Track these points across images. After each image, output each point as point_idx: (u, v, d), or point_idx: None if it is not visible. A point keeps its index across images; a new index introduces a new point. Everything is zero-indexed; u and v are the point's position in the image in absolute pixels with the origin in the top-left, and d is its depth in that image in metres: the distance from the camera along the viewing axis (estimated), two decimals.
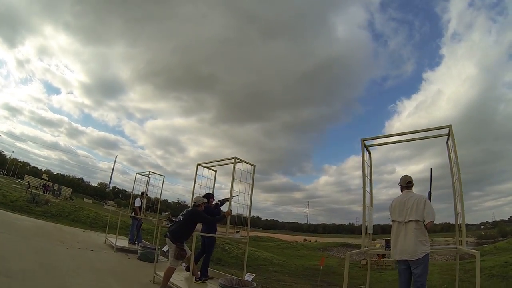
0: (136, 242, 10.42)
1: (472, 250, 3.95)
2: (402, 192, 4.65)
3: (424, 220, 4.19)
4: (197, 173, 7.18)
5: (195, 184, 7.06)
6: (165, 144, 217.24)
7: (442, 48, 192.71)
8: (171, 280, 5.71)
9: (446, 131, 4.60)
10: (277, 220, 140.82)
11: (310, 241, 54.22)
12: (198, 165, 7.13)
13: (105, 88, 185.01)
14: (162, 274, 6.04)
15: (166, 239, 5.79)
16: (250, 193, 6.50)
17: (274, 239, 44.13)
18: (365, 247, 4.85)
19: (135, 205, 10.80)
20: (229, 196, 6.19)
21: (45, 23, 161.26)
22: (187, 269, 6.33)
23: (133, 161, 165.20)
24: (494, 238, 57.20)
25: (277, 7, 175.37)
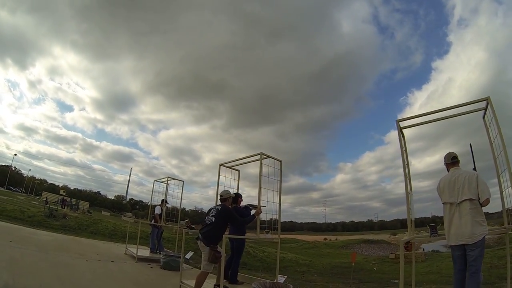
0: (158, 251, 10.15)
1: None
2: (448, 170, 4.35)
3: (479, 199, 3.88)
4: (221, 174, 6.83)
5: (219, 186, 6.65)
6: (179, 153, 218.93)
7: (449, 35, 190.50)
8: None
9: (483, 104, 4.32)
10: (295, 222, 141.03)
11: (330, 240, 53.99)
12: (220, 165, 6.81)
13: (117, 102, 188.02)
14: (188, 282, 5.78)
15: (198, 242, 5.36)
16: (279, 191, 6.15)
17: (296, 240, 43.82)
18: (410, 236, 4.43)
19: (155, 212, 10.49)
20: (257, 199, 5.81)
21: (53, 43, 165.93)
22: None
23: (148, 172, 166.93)
24: None
25: (280, 8, 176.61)
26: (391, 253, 19.36)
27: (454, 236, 3.95)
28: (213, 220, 5.32)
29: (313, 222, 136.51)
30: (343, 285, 8.99)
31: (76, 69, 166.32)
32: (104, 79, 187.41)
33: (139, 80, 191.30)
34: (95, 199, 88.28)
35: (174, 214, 10.69)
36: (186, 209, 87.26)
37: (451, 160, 4.30)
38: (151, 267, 8.49)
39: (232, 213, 5.55)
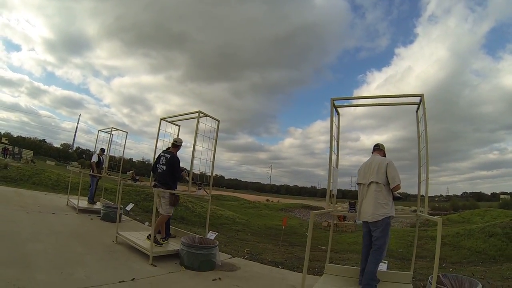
0: (90, 201, 10.34)
1: (434, 217, 4.13)
2: None
3: (385, 184, 4.22)
4: (162, 128, 7.04)
5: (158, 140, 6.95)
6: (131, 102, 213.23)
7: (417, 27, 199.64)
8: (133, 240, 5.73)
9: (417, 99, 4.64)
10: (240, 180, 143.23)
11: (272, 201, 54.43)
12: (161, 119, 6.98)
13: (70, 44, 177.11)
14: (124, 233, 6.15)
15: (155, 190, 5.85)
16: (213, 149, 6.45)
17: (237, 198, 44.30)
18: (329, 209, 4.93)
19: (92, 160, 10.56)
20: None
21: None
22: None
23: (98, 120, 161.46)
24: (447, 211, 60.24)
25: None
26: (324, 220, 20.50)
27: (361, 213, 4.35)
28: (165, 168, 5.92)
29: (258, 182, 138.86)
30: (272, 246, 9.54)
31: (28, 3, 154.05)
32: (59, 18, 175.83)
33: (97, 23, 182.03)
34: (40, 148, 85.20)
35: (117, 165, 10.68)
36: (134, 160, 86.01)
37: (374, 147, 4.68)
38: (91, 219, 8.61)
39: (177, 164, 6.07)
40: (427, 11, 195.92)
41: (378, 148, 4.63)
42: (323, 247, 10.63)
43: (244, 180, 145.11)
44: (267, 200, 57.74)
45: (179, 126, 7.34)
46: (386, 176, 4.21)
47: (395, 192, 4.33)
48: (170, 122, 7.13)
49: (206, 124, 6.21)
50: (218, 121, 6.51)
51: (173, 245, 5.85)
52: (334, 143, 5.00)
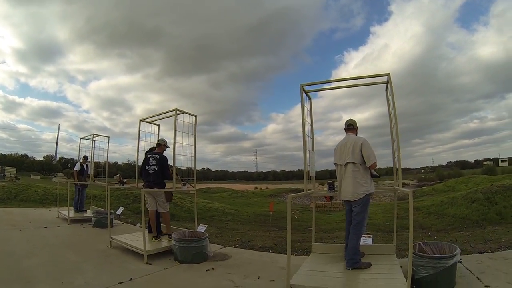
0: (80, 210, 10.39)
1: (406, 189, 4.28)
2: None
3: (361, 163, 4.35)
4: (142, 129, 7.10)
5: (140, 141, 7.03)
6: (111, 105, 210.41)
7: (391, 5, 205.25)
8: (127, 242, 5.96)
9: (385, 79, 4.72)
10: (227, 171, 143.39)
11: (261, 189, 54.29)
12: (140, 121, 7.07)
13: (42, 52, 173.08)
14: (117, 237, 6.37)
15: (145, 190, 6.14)
16: (193, 144, 6.64)
17: (226, 189, 44.32)
18: (309, 190, 5.07)
19: (74, 169, 10.63)
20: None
21: None
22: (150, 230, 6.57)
23: (78, 127, 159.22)
24: (433, 181, 61.51)
25: None
26: (311, 202, 20.80)
27: (341, 193, 4.52)
28: (157, 169, 6.19)
29: (245, 171, 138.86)
30: (262, 232, 9.76)
31: None
32: (27, 25, 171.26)
33: (67, 27, 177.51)
34: (22, 163, 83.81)
35: (103, 171, 10.59)
36: (119, 163, 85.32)
37: (346, 126, 4.74)
38: (83, 227, 8.75)
39: (167, 163, 6.33)
40: None
41: (352, 127, 4.72)
42: (311, 228, 10.94)
43: (231, 171, 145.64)
44: (256, 188, 57.57)
45: (158, 125, 7.46)
46: (362, 155, 4.33)
47: (372, 170, 4.48)
48: (149, 122, 7.24)
49: (184, 121, 6.37)
50: (195, 116, 6.67)
51: (165, 242, 6.07)
52: (308, 127, 5.21)
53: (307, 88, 5.12)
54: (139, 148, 7.02)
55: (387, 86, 4.78)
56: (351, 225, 4.43)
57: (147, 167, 6.37)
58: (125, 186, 8.97)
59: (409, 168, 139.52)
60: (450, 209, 14.30)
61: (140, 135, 7.02)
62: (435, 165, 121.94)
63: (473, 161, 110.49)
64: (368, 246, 4.80)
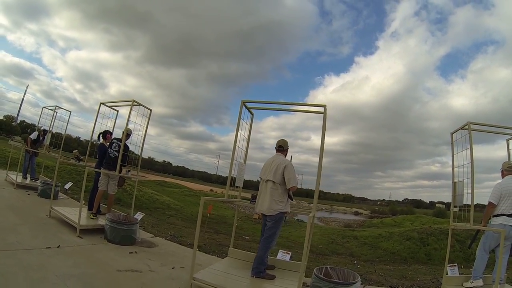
0: (32, 178, 10.63)
1: (308, 215, 4.41)
2: None
3: (281, 183, 4.58)
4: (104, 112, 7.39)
5: (96, 123, 7.28)
6: (86, 78, 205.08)
7: (379, 41, 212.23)
8: (65, 214, 6.34)
9: (322, 109, 4.91)
10: (187, 168, 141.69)
11: (216, 192, 54.58)
12: (101, 103, 7.29)
13: (27, 8, 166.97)
14: (58, 208, 6.71)
15: (105, 170, 6.62)
16: (143, 136, 7.04)
17: (180, 186, 44.17)
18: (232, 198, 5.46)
19: (30, 136, 10.82)
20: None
21: None
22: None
23: (48, 93, 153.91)
24: (385, 214, 63.17)
25: None
26: (255, 213, 21.26)
27: (258, 206, 4.80)
28: (117, 154, 6.52)
29: (205, 172, 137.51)
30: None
31: None
32: None
33: None
34: None
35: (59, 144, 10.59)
36: (81, 139, 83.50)
37: (277, 147, 4.98)
38: (28, 194, 8.97)
39: (127, 151, 6.71)
40: (391, 28, 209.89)
41: (281, 149, 4.94)
42: (246, 237, 11.43)
43: (191, 169, 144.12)
44: (211, 190, 57.45)
45: (117, 111, 7.73)
46: (283, 177, 4.57)
47: (291, 192, 4.72)
48: (109, 106, 7.50)
49: (138, 112, 6.81)
50: (150, 110, 7.07)
51: (101, 221, 6.42)
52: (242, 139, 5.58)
53: (248, 105, 5.44)
54: (94, 130, 7.34)
55: (324, 117, 4.85)
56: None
57: (109, 150, 6.84)
58: (81, 163, 9.16)
59: (366, 198, 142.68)
60: (384, 243, 14.94)
61: (101, 117, 7.32)
62: (392, 199, 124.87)
63: (428, 202, 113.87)
64: (281, 261, 5.10)
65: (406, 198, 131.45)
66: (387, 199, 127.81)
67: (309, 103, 5.27)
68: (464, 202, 4.93)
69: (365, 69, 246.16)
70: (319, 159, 4.69)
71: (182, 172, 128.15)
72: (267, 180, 4.70)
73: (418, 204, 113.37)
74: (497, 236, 4.37)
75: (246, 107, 5.40)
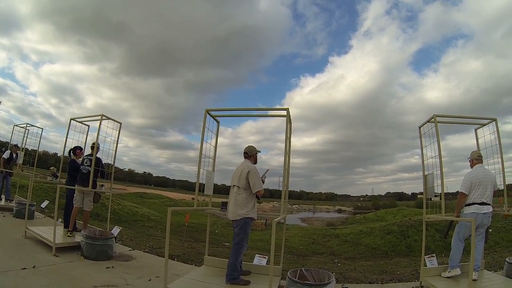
0: (2, 198, 10.41)
1: (271, 215, 4.81)
2: None
3: (245, 188, 4.66)
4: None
5: (68, 139, 7.34)
6: (61, 92, 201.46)
7: (352, 40, 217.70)
8: (40, 233, 6.35)
9: (285, 112, 4.91)
10: (168, 178, 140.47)
11: (198, 200, 53.53)
12: (71, 119, 7.33)
13: None
14: (34, 228, 6.67)
15: (79, 187, 6.67)
16: (114, 150, 7.14)
17: (161, 196, 43.85)
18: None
19: (2, 156, 10.55)
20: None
21: None
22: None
23: (22, 109, 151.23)
24: (368, 210, 63.89)
25: None
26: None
27: (228, 212, 4.90)
28: (89, 169, 6.50)
29: (186, 181, 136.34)
30: (178, 241, 10.11)
31: None
32: None
33: (30, 1, 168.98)
34: None
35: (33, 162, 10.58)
36: (59, 155, 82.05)
37: (244, 153, 5.05)
38: (3, 216, 8.86)
39: (100, 165, 6.77)
40: (363, 27, 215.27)
41: (247, 155, 5.02)
42: (227, 244, 11.52)
43: (172, 178, 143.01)
44: (193, 198, 57.12)
45: (88, 126, 7.74)
46: (248, 181, 4.66)
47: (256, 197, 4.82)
48: (80, 122, 7.51)
49: (108, 126, 6.89)
50: (120, 123, 7.14)
51: (77, 238, 6.40)
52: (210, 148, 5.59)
53: (213, 113, 5.48)
54: (66, 146, 7.37)
55: (287, 119, 4.90)
56: None
57: (81, 167, 6.85)
58: (59, 180, 9.08)
59: (349, 195, 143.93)
60: (365, 239, 15.17)
61: (73, 133, 7.37)
62: (374, 194, 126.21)
63: (410, 194, 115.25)
64: (258, 266, 5.15)
65: (389, 192, 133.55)
66: (369, 194, 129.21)
67: (272, 107, 5.39)
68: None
69: (340, 68, 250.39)
70: (284, 162, 4.81)
71: (163, 182, 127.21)
72: (233, 186, 4.82)
73: (400, 196, 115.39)
74: (470, 225, 4.45)
75: (210, 115, 5.46)
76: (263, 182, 5.07)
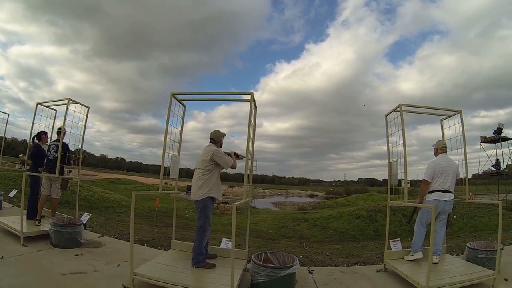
0: None
1: (239, 202, 4.54)
2: None
3: (206, 169, 4.77)
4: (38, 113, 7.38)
5: (34, 124, 7.34)
6: (30, 75, 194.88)
7: (330, 28, 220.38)
8: (6, 223, 6.36)
9: (249, 97, 5.07)
10: (141, 163, 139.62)
11: (171, 185, 53.40)
12: (37, 104, 7.32)
13: None
14: (1, 219, 6.64)
15: (46, 174, 6.65)
16: (82, 135, 7.13)
17: (134, 182, 43.29)
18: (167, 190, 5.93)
19: None
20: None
21: None
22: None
23: None
24: (340, 195, 65.32)
25: None
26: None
27: (191, 194, 4.93)
28: (56, 155, 6.44)
29: (159, 165, 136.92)
30: (148, 226, 10.19)
31: None
32: None
33: None
34: None
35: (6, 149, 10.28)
36: (28, 141, 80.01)
37: (210, 139, 5.08)
38: None
39: (66, 151, 6.69)
40: (341, 16, 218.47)
41: (213, 142, 5.06)
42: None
43: (145, 163, 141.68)
44: (166, 183, 56.96)
45: (55, 110, 7.71)
46: (210, 162, 4.76)
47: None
48: (46, 107, 7.49)
49: (75, 111, 6.84)
50: (88, 107, 7.13)
51: (46, 226, 6.37)
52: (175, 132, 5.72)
53: (178, 97, 5.59)
54: (32, 131, 7.35)
55: (250, 104, 4.99)
56: None
57: (48, 153, 6.79)
58: (28, 167, 8.96)
59: (321, 180, 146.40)
60: (334, 223, 15.66)
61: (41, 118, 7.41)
62: (347, 180, 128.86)
63: (381, 180, 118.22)
64: (224, 250, 5.33)
65: (361, 178, 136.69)
66: (342, 180, 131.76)
67: (238, 92, 5.50)
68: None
69: (315, 56, 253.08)
70: (247, 146, 4.90)
71: (136, 168, 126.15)
72: (196, 169, 4.95)
73: (372, 182, 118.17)
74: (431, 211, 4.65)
75: (176, 99, 5.54)
76: (239, 158, 5.21)
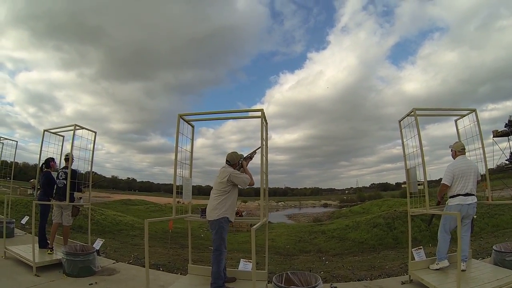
0: None
1: (257, 224, 4.31)
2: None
3: (222, 190, 4.66)
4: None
5: (42, 151, 7.23)
6: (39, 101, 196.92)
7: (330, 36, 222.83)
8: (19, 253, 6.19)
9: (259, 113, 4.91)
10: (152, 182, 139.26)
11: (183, 203, 53.11)
12: (44, 130, 7.26)
13: None
14: (13, 248, 6.49)
15: (56, 202, 6.59)
16: (90, 160, 7.00)
17: (146, 202, 42.66)
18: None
19: None
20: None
21: None
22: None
23: None
24: (354, 202, 64.45)
25: None
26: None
27: (206, 215, 4.80)
28: (65, 182, 6.33)
29: (170, 184, 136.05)
30: (162, 249, 10.01)
31: None
32: None
33: (4, 7, 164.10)
34: None
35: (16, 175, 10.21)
36: (37, 168, 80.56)
37: (226, 161, 4.91)
38: None
39: (75, 177, 6.50)
40: (340, 23, 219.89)
41: (229, 164, 4.90)
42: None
43: (156, 182, 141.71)
44: (178, 202, 56.86)
45: (63, 136, 7.62)
46: (227, 184, 4.67)
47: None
48: (54, 133, 7.40)
49: (82, 137, 6.78)
50: (95, 132, 7.05)
51: (59, 255, 6.17)
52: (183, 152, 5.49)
53: (186, 118, 5.42)
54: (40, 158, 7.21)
55: (261, 119, 4.88)
56: None
57: (57, 181, 6.71)
58: (35, 192, 8.89)
59: (334, 188, 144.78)
60: (352, 234, 15.24)
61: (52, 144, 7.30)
62: (359, 186, 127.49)
63: (394, 184, 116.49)
64: (243, 272, 5.05)
65: (373, 183, 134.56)
66: (354, 186, 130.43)
67: (247, 109, 5.33)
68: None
69: (318, 64, 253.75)
70: (261, 164, 4.80)
71: (148, 187, 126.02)
72: (212, 190, 4.83)
73: (384, 187, 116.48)
74: (455, 216, 4.52)
75: (184, 120, 5.39)
76: (252, 158, 5.15)
